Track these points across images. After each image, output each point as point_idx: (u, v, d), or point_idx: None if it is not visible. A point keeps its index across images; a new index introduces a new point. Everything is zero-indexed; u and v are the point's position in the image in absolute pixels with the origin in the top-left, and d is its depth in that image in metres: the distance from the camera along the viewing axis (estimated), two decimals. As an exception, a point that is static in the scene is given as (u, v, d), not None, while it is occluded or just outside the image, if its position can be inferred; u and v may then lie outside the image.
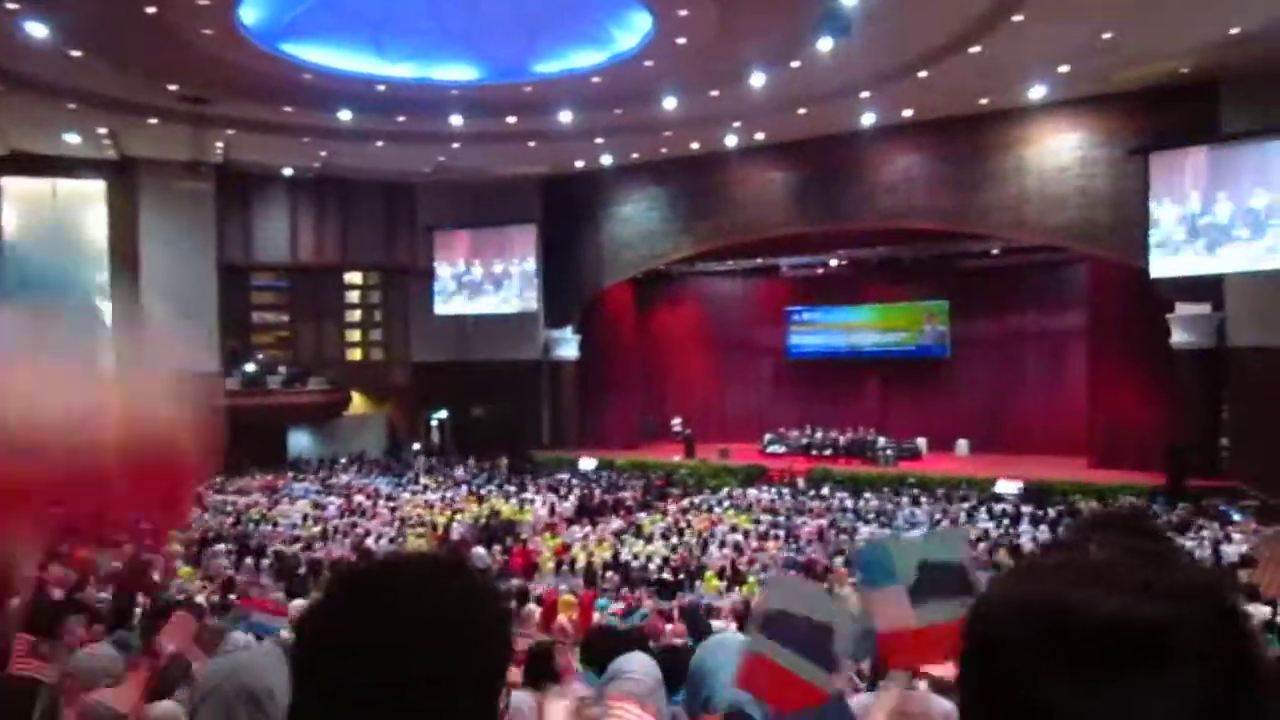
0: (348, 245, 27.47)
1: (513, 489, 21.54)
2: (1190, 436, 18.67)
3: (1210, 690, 0.67)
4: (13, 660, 3.68)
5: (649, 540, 16.20)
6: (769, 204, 23.94)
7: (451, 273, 27.62)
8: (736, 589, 12.60)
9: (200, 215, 24.43)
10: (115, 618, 6.77)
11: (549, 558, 14.83)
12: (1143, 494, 17.87)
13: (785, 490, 20.76)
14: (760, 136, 22.89)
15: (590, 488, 21.65)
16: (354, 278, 28.63)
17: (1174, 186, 18.16)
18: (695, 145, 23.74)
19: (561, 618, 9.79)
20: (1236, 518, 16.04)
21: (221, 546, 13.87)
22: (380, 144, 22.99)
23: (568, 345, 27.77)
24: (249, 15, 15.97)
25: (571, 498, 20.22)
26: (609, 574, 13.63)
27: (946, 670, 3.87)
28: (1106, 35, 15.86)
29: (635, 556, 14.69)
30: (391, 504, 19.35)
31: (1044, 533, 15.65)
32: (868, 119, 21.16)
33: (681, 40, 16.66)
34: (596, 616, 10.14)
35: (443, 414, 28.58)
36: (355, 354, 28.66)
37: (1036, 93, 19.48)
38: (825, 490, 20.56)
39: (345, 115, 20.54)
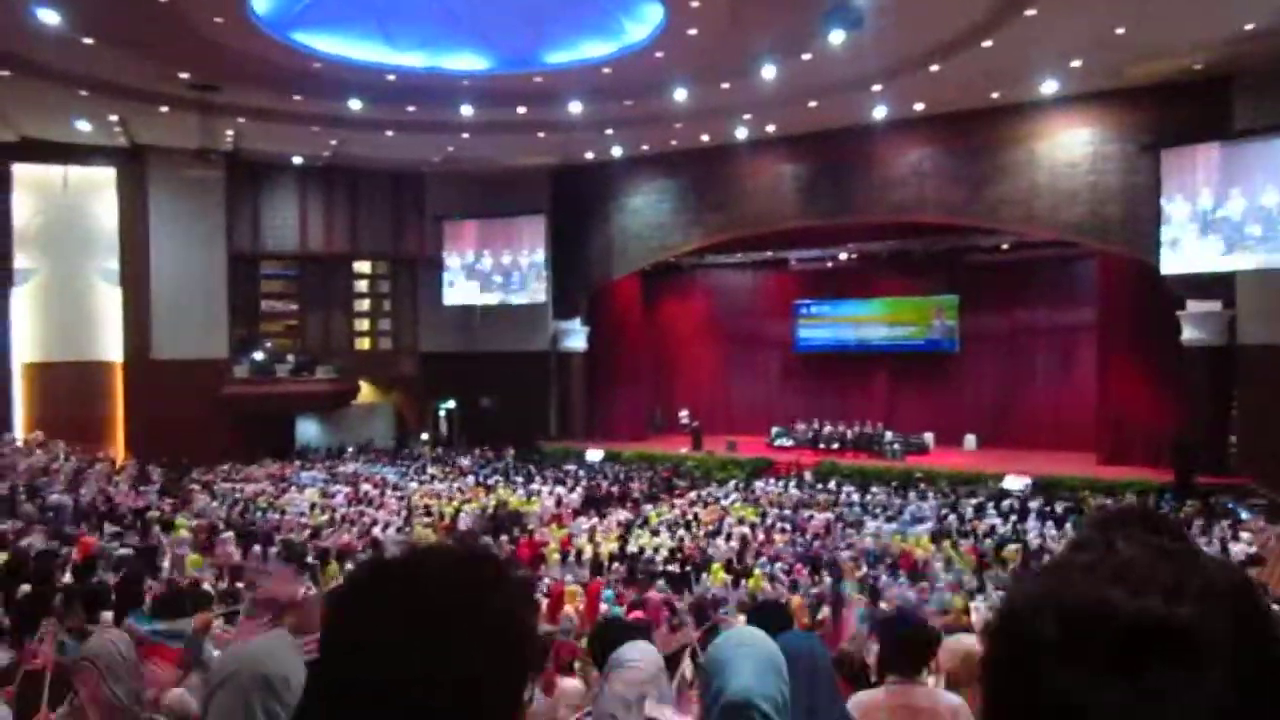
0: (357, 234, 27.49)
1: (520, 479, 21.57)
2: (1199, 433, 18.62)
3: (1240, 689, 0.68)
4: None
5: (656, 532, 16.22)
6: (779, 197, 23.89)
7: (460, 263, 27.65)
8: (743, 582, 12.63)
9: (210, 203, 24.48)
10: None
11: (555, 549, 14.86)
12: (1151, 490, 17.85)
13: (792, 483, 20.76)
14: (771, 129, 22.84)
15: (597, 479, 21.68)
16: (363, 267, 28.67)
17: (1185, 183, 18.08)
18: (705, 137, 23.71)
19: (568, 608, 9.83)
20: (1245, 515, 16.00)
21: (230, 534, 13.92)
22: (390, 133, 22.98)
23: (576, 336, 27.78)
24: (260, 4, 15.97)
25: (578, 489, 20.25)
26: (615, 565, 13.66)
27: (951, 663, 3.89)
28: (1119, 30, 15.77)
29: (642, 549, 14.71)
30: (399, 493, 19.41)
31: (1051, 529, 15.64)
32: (879, 112, 21.08)
33: (693, 31, 16.61)
34: (603, 608, 10.17)
35: (450, 404, 28.62)
36: (363, 343, 28.71)
37: (1048, 87, 19.39)
38: (832, 484, 20.56)
39: (355, 104, 20.54)
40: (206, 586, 9.06)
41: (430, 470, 23.04)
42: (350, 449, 26.35)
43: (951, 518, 17.01)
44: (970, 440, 24.52)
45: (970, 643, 4.11)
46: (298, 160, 25.80)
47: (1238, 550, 13.56)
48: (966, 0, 14.90)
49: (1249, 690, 0.68)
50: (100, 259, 23.76)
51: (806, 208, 23.53)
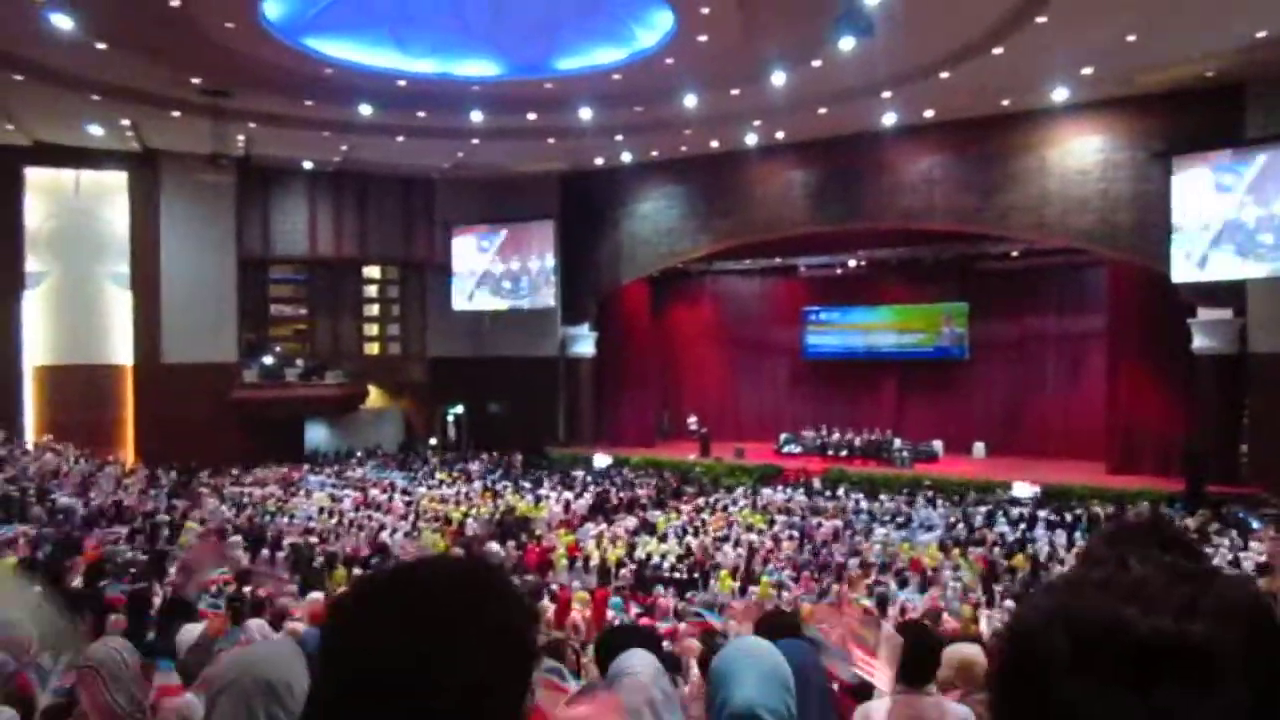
0: (366, 239, 27.58)
1: (527, 485, 21.57)
2: (1210, 442, 18.54)
3: (1252, 707, 0.68)
4: None
5: (663, 539, 16.20)
6: (788, 203, 23.88)
7: (469, 268, 27.69)
8: (750, 589, 12.60)
9: (220, 208, 24.59)
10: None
11: (563, 554, 14.85)
12: (1161, 500, 17.76)
13: (800, 491, 20.71)
14: (780, 135, 22.84)
15: (605, 485, 21.66)
16: (372, 272, 28.76)
17: (1197, 191, 18.02)
18: (715, 143, 23.71)
19: (575, 615, 9.80)
20: (1256, 525, 15.90)
21: (238, 538, 13.93)
22: (400, 139, 23.07)
23: (584, 342, 27.79)
24: (272, 9, 16.06)
25: (586, 495, 20.23)
26: (623, 571, 13.65)
27: (945, 671, 3.87)
28: (1130, 38, 15.73)
29: (649, 556, 14.70)
30: (407, 498, 19.42)
31: (1060, 537, 15.56)
32: (889, 119, 21.08)
33: (703, 38, 16.63)
34: (610, 615, 10.14)
35: (459, 409, 28.65)
36: (372, 348, 28.79)
37: (1059, 95, 19.35)
38: (840, 491, 20.51)
39: (366, 110, 20.62)
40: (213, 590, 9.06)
41: (438, 475, 23.06)
42: (359, 454, 26.40)
43: (960, 526, 16.95)
44: (979, 448, 24.44)
45: (969, 652, 4.08)
46: (308, 165, 25.89)
47: (1248, 560, 13.48)
48: (978, 7, 14.89)
49: (1261, 707, 0.68)
50: (111, 263, 23.88)
51: (816, 214, 23.50)
